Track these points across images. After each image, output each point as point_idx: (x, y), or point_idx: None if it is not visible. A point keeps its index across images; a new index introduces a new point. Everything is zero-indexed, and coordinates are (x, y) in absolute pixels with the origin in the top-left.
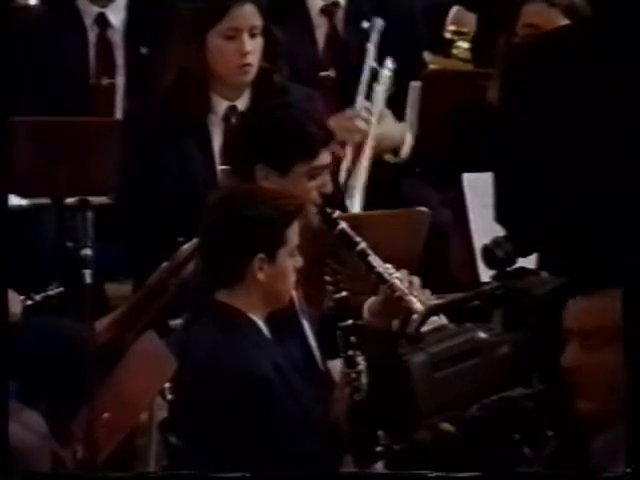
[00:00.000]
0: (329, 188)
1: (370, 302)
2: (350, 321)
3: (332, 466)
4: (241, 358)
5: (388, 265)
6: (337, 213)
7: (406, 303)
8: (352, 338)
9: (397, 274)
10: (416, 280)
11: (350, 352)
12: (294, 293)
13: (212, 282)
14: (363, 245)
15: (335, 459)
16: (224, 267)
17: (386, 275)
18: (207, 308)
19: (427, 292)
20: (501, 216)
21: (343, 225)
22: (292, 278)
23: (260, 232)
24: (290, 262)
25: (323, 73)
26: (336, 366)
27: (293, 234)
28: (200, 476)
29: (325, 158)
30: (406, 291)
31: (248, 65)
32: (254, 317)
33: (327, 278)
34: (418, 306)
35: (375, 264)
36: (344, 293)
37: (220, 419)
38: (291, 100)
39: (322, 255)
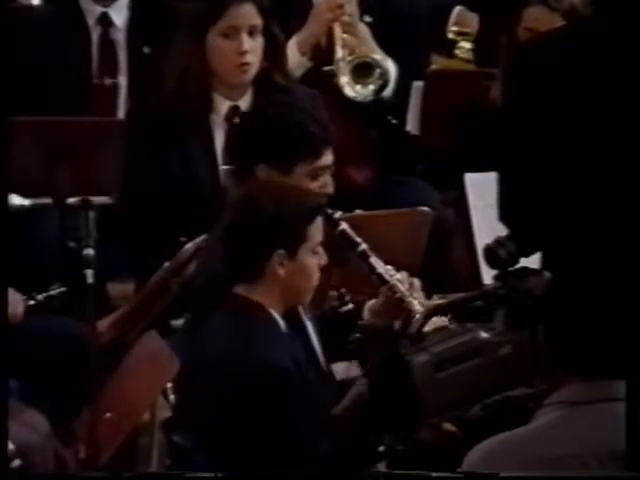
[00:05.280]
0: (330, 189)
1: (371, 304)
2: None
3: (346, 465)
4: (262, 350)
5: (389, 267)
6: (338, 214)
7: (407, 305)
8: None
9: (398, 276)
10: (417, 282)
11: None
12: None
13: (232, 276)
14: (364, 246)
15: (347, 458)
16: (245, 261)
17: (387, 277)
18: (225, 301)
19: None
20: (505, 215)
21: (344, 226)
22: (315, 275)
23: (281, 228)
24: (312, 259)
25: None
26: (339, 369)
27: (316, 231)
28: (176, 475)
29: (327, 159)
30: (407, 293)
31: (247, 64)
32: (272, 312)
33: (333, 293)
34: (418, 308)
35: (376, 265)
36: (350, 306)
37: (240, 413)
38: (292, 100)
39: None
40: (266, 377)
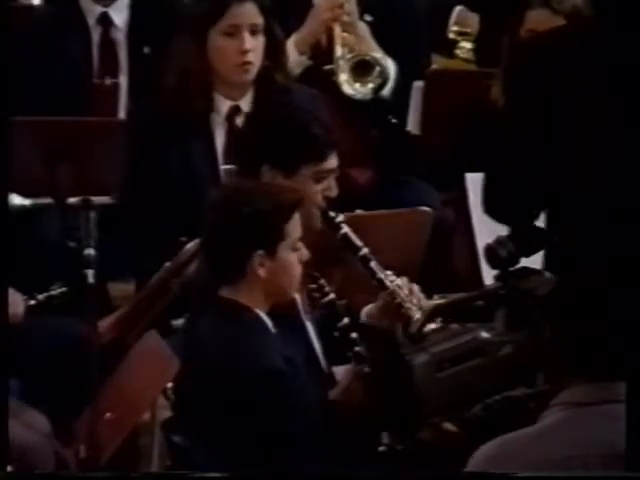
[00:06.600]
0: (334, 192)
1: (368, 308)
2: (346, 319)
3: (340, 465)
4: (253, 352)
5: (389, 272)
6: (341, 217)
7: (406, 310)
8: (353, 335)
9: (398, 281)
10: (416, 288)
11: (357, 348)
12: (297, 296)
13: (216, 279)
14: (365, 251)
15: (341, 459)
16: (226, 264)
17: (387, 282)
18: (211, 305)
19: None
20: (490, 209)
21: (346, 229)
22: (297, 271)
23: (257, 228)
24: (293, 256)
25: (327, 67)
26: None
27: (293, 228)
28: (182, 475)
29: (332, 162)
30: (406, 299)
31: (248, 63)
32: (258, 312)
33: (311, 286)
34: (417, 314)
35: (376, 270)
36: (331, 295)
37: (236, 414)
38: (296, 101)
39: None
40: (259, 378)
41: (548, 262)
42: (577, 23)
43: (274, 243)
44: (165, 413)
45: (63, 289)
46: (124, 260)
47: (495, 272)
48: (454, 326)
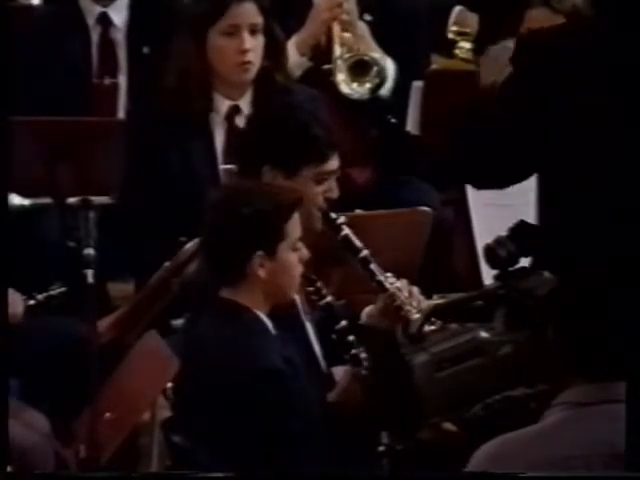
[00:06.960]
0: (335, 193)
1: (368, 310)
2: (344, 322)
3: (339, 466)
4: (252, 352)
5: (389, 274)
6: (342, 219)
7: (405, 313)
8: (350, 337)
9: (398, 283)
10: (416, 290)
11: (354, 351)
12: (297, 296)
13: (216, 280)
14: (366, 252)
15: (341, 459)
16: (226, 265)
17: (387, 284)
18: (211, 305)
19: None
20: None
21: (347, 231)
22: (297, 271)
23: (257, 228)
24: (293, 256)
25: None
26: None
27: (293, 228)
28: (184, 475)
29: (333, 163)
30: (406, 301)
31: (248, 63)
32: (258, 313)
33: (309, 289)
34: (416, 316)
35: (376, 272)
36: (329, 298)
37: (235, 414)
38: (297, 101)
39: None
40: (258, 378)
41: (537, 261)
42: (577, 22)
43: (274, 243)
44: (165, 413)
45: (63, 289)
46: (124, 260)
47: (495, 272)
48: (453, 326)
